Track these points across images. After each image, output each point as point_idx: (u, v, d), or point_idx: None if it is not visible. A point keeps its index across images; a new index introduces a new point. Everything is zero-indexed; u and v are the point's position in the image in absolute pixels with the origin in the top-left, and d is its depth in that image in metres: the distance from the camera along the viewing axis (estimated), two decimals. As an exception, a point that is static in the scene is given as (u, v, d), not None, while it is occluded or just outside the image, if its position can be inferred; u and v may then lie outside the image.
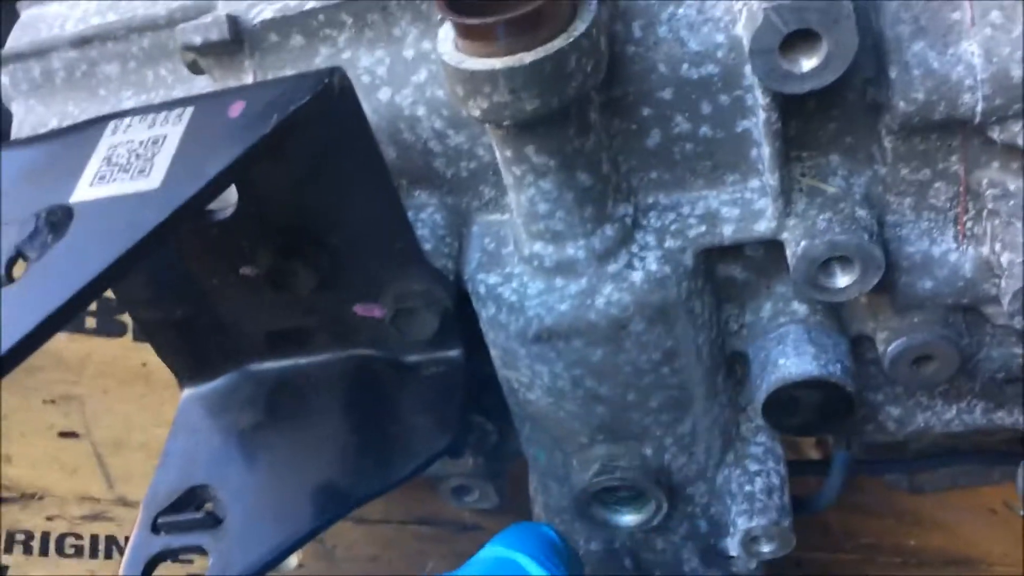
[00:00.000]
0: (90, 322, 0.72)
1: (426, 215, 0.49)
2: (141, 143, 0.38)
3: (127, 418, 0.63)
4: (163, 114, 0.39)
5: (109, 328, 0.72)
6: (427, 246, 0.48)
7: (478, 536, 0.64)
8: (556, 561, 0.43)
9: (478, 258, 0.48)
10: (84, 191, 0.37)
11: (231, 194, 0.45)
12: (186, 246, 0.46)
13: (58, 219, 0.35)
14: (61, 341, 0.69)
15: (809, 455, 0.77)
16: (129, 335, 0.72)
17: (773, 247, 0.47)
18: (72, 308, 0.32)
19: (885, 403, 0.55)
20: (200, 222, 0.45)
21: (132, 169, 0.37)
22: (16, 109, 0.57)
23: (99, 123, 0.40)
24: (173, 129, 0.38)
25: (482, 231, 0.49)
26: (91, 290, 0.33)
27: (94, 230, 0.35)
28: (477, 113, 0.40)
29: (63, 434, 0.61)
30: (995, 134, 0.40)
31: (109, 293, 0.55)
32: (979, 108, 0.39)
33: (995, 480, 0.79)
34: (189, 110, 0.39)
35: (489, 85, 0.39)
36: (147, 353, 0.70)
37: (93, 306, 0.74)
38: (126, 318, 0.73)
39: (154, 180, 0.36)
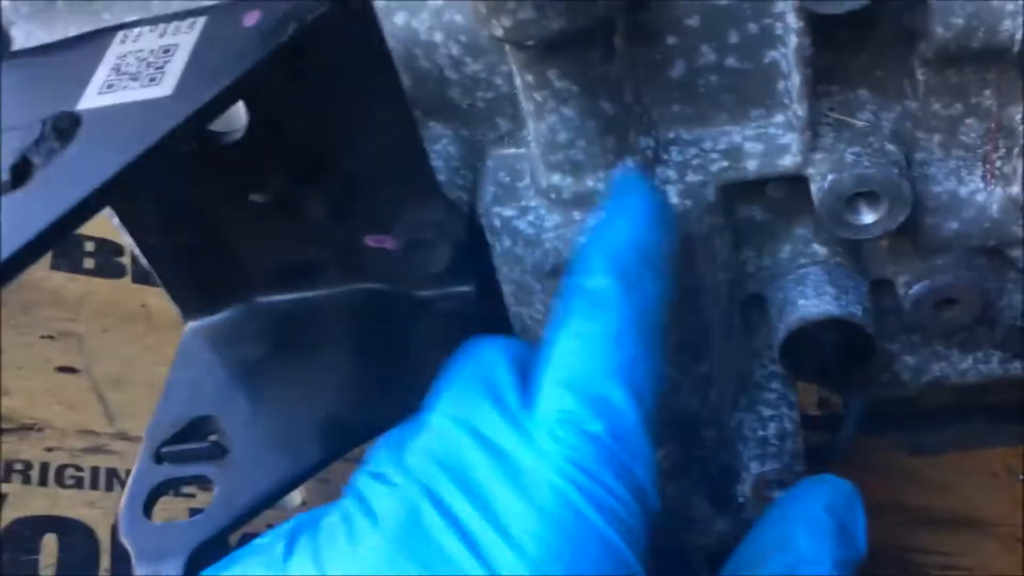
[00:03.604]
0: (88, 263, 0.71)
1: (440, 147, 0.48)
2: (152, 52, 0.36)
3: (127, 356, 0.62)
4: (174, 24, 0.37)
5: (108, 269, 0.71)
6: (440, 178, 0.46)
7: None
8: None
9: (493, 191, 0.47)
10: (92, 99, 0.35)
11: (241, 117, 0.44)
12: (195, 171, 0.45)
13: (65, 126, 0.34)
14: (59, 280, 0.68)
15: (809, 414, 0.77)
16: (128, 277, 0.71)
17: (795, 188, 0.46)
18: (82, 213, 0.31)
19: (901, 353, 0.54)
20: (210, 145, 0.43)
21: (142, 77, 0.35)
22: (16, 34, 0.55)
23: (107, 33, 0.38)
24: (185, 38, 0.36)
25: (497, 165, 0.48)
26: (101, 195, 0.31)
27: (103, 136, 0.33)
28: (499, 32, 0.39)
29: (61, 369, 0.60)
30: (1033, 65, 0.39)
31: (111, 233, 0.54)
32: (1019, 35, 0.38)
33: (999, 443, 0.79)
34: (202, 19, 0.37)
35: (514, 1, 0.37)
36: (147, 294, 0.69)
37: (92, 247, 0.73)
38: (125, 260, 0.72)
39: (166, 87, 0.35)
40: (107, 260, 0.72)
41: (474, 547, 0.31)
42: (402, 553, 0.32)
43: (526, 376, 0.36)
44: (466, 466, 0.34)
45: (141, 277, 0.69)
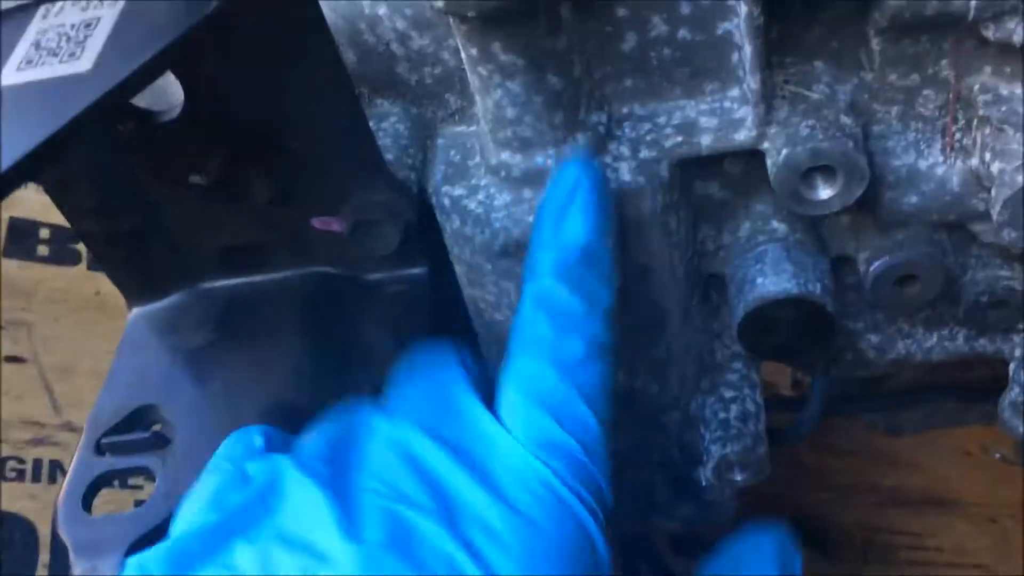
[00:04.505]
0: (43, 250, 0.70)
1: (388, 124, 0.46)
2: (73, 26, 0.35)
3: (77, 345, 0.61)
4: (98, -3, 0.36)
5: (62, 256, 0.70)
6: (389, 157, 0.45)
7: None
8: None
9: (443, 170, 0.46)
10: (10, 76, 0.34)
11: (179, 96, 0.42)
12: (132, 152, 0.43)
13: (-21, 104, 0.33)
14: (11, 267, 0.66)
15: (783, 395, 0.76)
16: (83, 264, 0.70)
17: (752, 163, 0.45)
18: (-8, 194, 0.30)
19: (865, 331, 0.53)
20: (145, 125, 0.42)
21: (62, 53, 0.34)
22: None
23: (29, 8, 0.37)
24: (108, 11, 0.35)
25: (448, 143, 0.46)
26: (14, 176, 0.30)
27: (18, 114, 0.32)
28: (440, 4, 0.38)
29: (9, 359, 0.59)
30: (989, 32, 0.38)
31: (63, 221, 0.53)
32: (973, 2, 0.37)
33: (972, 421, 0.78)
34: (126, -8, 0.36)
35: (453, -30, 0.36)
36: (101, 282, 0.68)
37: (46, 233, 0.71)
38: (81, 247, 0.70)
39: (85, 63, 0.33)
40: (62, 247, 0.70)
41: (468, 547, 0.33)
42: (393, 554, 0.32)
43: (481, 386, 0.39)
44: (439, 473, 0.35)
45: (97, 264, 0.68)
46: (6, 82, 0.34)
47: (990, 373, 0.65)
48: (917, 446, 0.81)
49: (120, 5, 0.35)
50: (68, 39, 0.34)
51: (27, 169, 0.30)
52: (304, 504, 0.33)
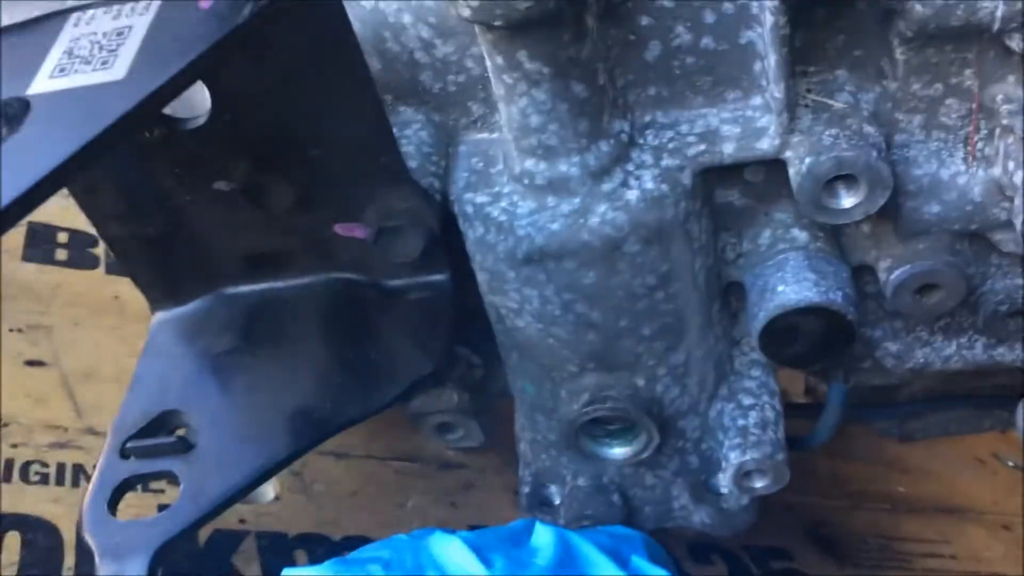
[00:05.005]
0: (61, 254, 0.70)
1: (411, 132, 0.46)
2: (105, 34, 0.35)
3: (98, 349, 0.61)
4: (129, 5, 0.36)
5: (81, 260, 0.70)
6: (412, 164, 0.45)
7: (461, 474, 0.62)
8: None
9: (466, 177, 0.46)
10: (42, 83, 0.34)
11: (204, 103, 0.42)
12: (157, 158, 0.44)
13: (13, 112, 0.33)
14: (30, 272, 0.67)
15: (797, 401, 0.76)
16: (102, 267, 0.70)
17: (773, 171, 0.45)
18: (29, 202, 0.30)
19: (884, 339, 0.53)
20: (171, 132, 0.42)
21: (95, 61, 0.34)
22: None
23: (60, 15, 0.37)
24: (140, 20, 0.35)
25: (470, 150, 0.47)
26: (48, 184, 0.30)
27: (53, 122, 0.32)
28: (467, 13, 0.38)
29: (30, 363, 0.59)
30: (1014, 43, 0.38)
31: (84, 224, 0.53)
32: (999, 13, 0.37)
33: (986, 428, 0.78)
34: (157, 1, 0.36)
35: (481, -20, 0.36)
36: (120, 285, 0.68)
37: (64, 238, 0.71)
38: (99, 251, 0.71)
39: (118, 72, 0.33)
40: (80, 251, 0.71)
41: None
42: None
43: None
44: None
45: (115, 268, 0.68)
46: (39, 89, 0.34)
47: (1006, 381, 0.65)
48: (930, 453, 0.81)
49: (152, 14, 0.35)
50: (100, 47, 0.35)
51: (61, 178, 0.31)
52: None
